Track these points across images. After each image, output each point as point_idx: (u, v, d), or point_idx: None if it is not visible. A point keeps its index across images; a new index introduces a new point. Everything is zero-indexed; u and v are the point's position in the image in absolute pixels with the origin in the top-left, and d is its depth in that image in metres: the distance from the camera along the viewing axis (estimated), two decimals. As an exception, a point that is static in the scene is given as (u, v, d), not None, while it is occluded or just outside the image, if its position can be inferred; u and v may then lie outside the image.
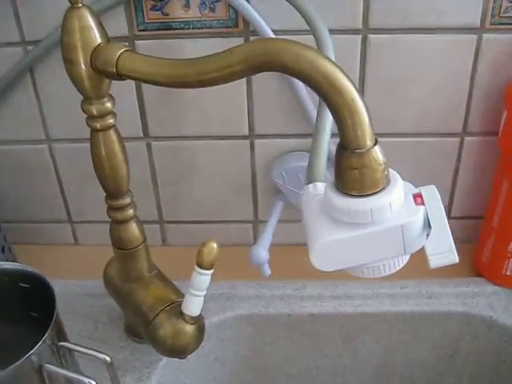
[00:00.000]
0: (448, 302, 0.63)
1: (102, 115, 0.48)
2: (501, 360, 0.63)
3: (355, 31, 0.58)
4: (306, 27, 0.57)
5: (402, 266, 0.39)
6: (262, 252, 0.59)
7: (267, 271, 0.61)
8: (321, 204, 0.39)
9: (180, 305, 0.54)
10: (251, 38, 0.59)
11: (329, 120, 0.48)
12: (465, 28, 0.57)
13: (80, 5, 0.44)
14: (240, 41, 0.59)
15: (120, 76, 0.43)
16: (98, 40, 0.44)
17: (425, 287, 0.64)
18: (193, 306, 0.52)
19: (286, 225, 0.66)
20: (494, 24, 0.56)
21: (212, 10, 0.57)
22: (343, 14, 0.57)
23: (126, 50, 0.43)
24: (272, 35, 0.57)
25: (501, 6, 0.56)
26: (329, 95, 0.34)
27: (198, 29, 0.58)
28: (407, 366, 0.67)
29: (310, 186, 0.42)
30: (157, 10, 0.58)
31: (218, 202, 0.69)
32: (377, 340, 0.65)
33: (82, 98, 0.46)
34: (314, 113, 0.61)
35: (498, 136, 0.61)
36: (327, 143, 0.47)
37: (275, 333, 0.65)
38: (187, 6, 0.57)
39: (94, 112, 0.47)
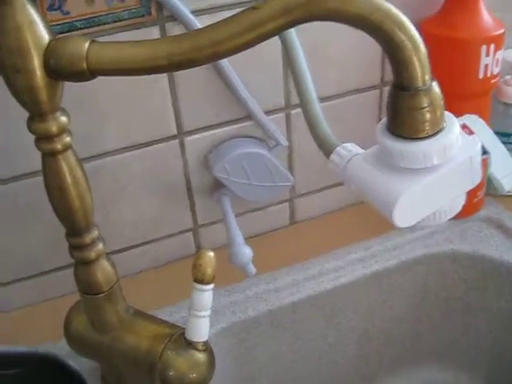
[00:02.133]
0: (411, 248, 0.63)
1: (61, 132, 0.38)
2: (468, 288, 0.65)
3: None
4: (225, 2, 0.54)
5: (463, 203, 0.38)
6: (245, 249, 0.54)
7: (252, 270, 0.55)
8: (372, 160, 0.36)
9: (182, 334, 0.46)
10: (167, 25, 0.52)
11: (310, 81, 0.45)
12: (372, -22, 0.57)
13: (19, -7, 0.34)
14: (155, 30, 0.52)
15: (92, 73, 0.35)
16: (47, 37, 0.36)
17: (387, 241, 0.64)
18: (200, 329, 0.46)
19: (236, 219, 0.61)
20: (400, -32, 0.58)
21: (120, -1, 0.50)
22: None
23: (93, 41, 0.35)
24: (191, 17, 0.52)
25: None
26: (392, 32, 0.32)
27: (108, 24, 0.50)
28: (385, 325, 0.66)
29: (340, 149, 0.39)
30: (55, 10, 0.48)
31: (152, 218, 0.61)
32: (356, 308, 0.63)
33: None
34: (245, 93, 0.57)
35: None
36: (319, 107, 0.44)
37: (258, 334, 0.60)
38: (91, -1, 0.49)
39: (54, 130, 0.38)
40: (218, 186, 0.61)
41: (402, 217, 0.34)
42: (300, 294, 0.60)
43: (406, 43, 0.31)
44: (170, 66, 0.34)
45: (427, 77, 0.33)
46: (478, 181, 0.36)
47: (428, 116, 0.33)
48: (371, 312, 0.64)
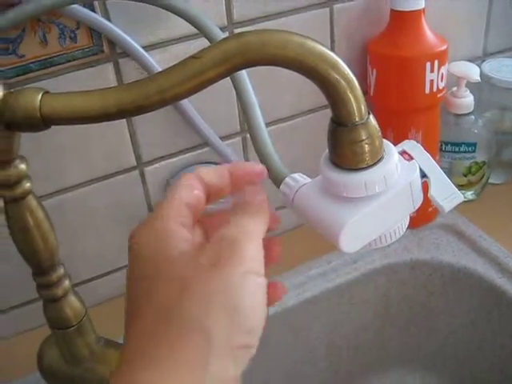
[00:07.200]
0: (371, 260, 0.66)
1: (20, 179, 0.40)
2: (429, 293, 0.68)
3: (222, 29, 0.56)
4: (175, 36, 0.55)
5: (407, 225, 0.40)
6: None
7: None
8: (318, 190, 0.38)
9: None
10: (120, 61, 0.54)
11: (259, 115, 0.47)
12: (317, 4, 0.60)
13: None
14: (110, 67, 0.54)
15: (46, 124, 0.37)
16: (0, 93, 0.37)
17: (346, 254, 0.66)
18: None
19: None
20: (340, -6, 0.60)
21: (73, 39, 0.51)
22: (208, 15, 0.55)
23: (46, 92, 0.37)
24: (143, 52, 0.54)
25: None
26: (327, 73, 0.34)
27: (62, 64, 0.52)
28: (351, 335, 0.69)
29: (288, 179, 0.41)
30: (10, 54, 0.49)
31: (118, 247, 0.62)
32: (322, 321, 0.65)
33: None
34: (200, 122, 0.58)
35: (368, 95, 0.65)
36: (268, 137, 0.46)
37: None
38: (44, 41, 0.50)
39: (14, 177, 0.39)
40: (180, 211, 0.62)
41: (349, 243, 0.36)
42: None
43: (340, 82, 0.33)
44: (120, 114, 0.35)
45: (363, 111, 0.34)
46: (419, 204, 0.38)
47: (367, 148, 0.35)
48: (337, 324, 0.67)
